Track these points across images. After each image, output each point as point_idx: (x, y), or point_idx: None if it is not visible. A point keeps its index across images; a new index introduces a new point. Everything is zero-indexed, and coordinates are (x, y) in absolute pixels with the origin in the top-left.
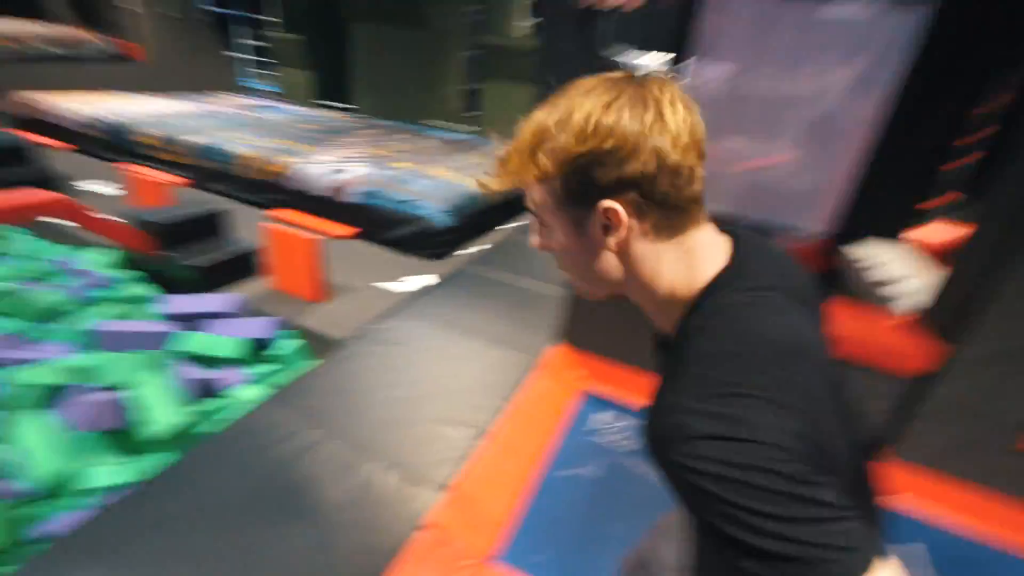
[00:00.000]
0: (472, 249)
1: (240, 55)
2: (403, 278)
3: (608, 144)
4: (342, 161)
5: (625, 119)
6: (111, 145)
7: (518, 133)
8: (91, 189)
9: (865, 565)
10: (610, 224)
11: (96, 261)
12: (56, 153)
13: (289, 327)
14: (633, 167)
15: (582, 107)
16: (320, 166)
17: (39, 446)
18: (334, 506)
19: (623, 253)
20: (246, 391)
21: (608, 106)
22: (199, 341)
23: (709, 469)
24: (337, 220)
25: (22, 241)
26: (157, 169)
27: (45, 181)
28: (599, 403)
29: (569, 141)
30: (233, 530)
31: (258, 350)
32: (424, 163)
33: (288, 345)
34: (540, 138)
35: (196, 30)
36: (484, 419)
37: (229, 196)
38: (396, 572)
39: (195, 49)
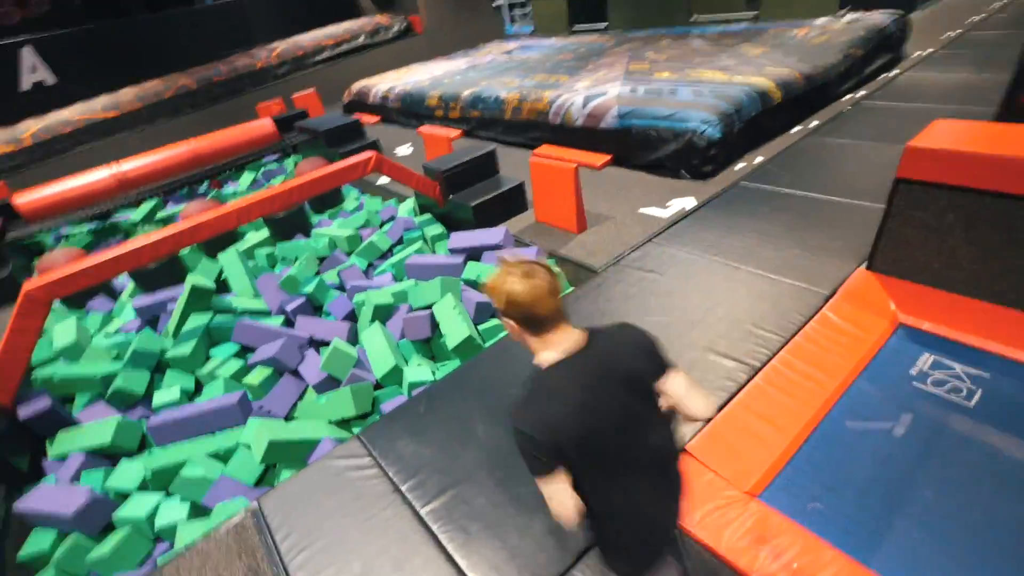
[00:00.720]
0: (743, 164)
1: (502, 1)
2: (666, 203)
3: (499, 303)
4: (595, 85)
5: (507, 291)
6: (405, 112)
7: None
8: (396, 151)
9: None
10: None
11: (404, 208)
12: (370, 127)
13: (550, 256)
14: (510, 312)
15: (495, 283)
16: (574, 94)
17: (378, 348)
18: None
19: (523, 341)
20: None
21: (503, 283)
22: (478, 270)
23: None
24: (596, 149)
25: (356, 197)
26: (440, 125)
27: (370, 148)
28: (924, 340)
29: (490, 296)
30: None
31: None
32: (687, 68)
33: None
34: (488, 291)
35: None
36: (757, 352)
37: (498, 141)
38: None
39: (463, 7)
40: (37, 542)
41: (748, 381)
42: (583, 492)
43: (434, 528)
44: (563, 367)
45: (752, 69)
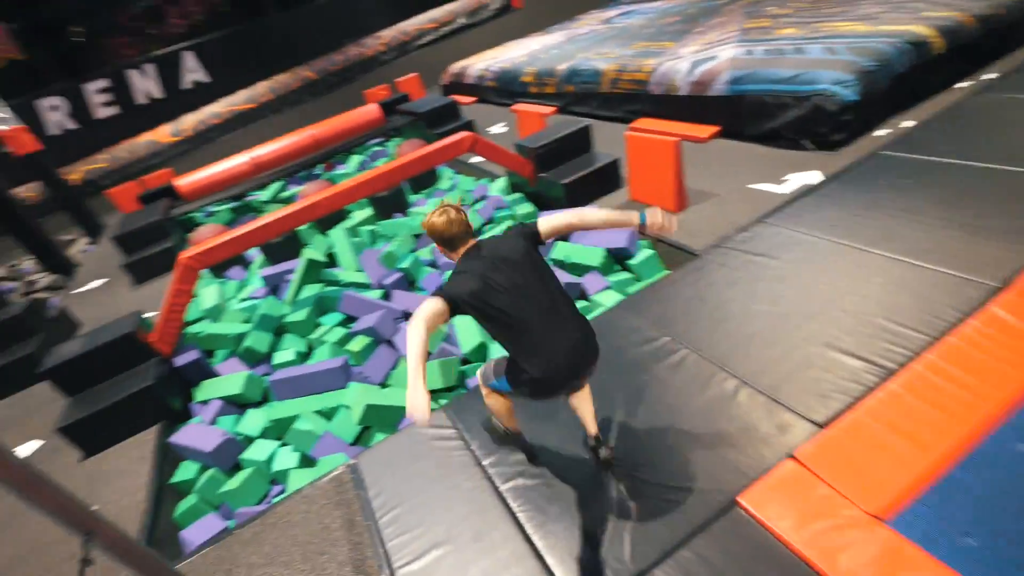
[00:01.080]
0: (887, 130)
1: None
2: (782, 178)
3: (425, 230)
4: (704, 49)
5: (430, 223)
6: (501, 90)
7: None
8: (491, 130)
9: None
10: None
11: (496, 187)
12: (466, 107)
13: (643, 237)
14: (433, 236)
15: (424, 220)
16: (680, 61)
17: (466, 325)
18: (692, 413)
19: (446, 255)
20: (604, 296)
21: (428, 219)
22: (567, 250)
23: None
24: (702, 121)
25: (450, 176)
26: (535, 103)
27: (465, 128)
28: None
29: (424, 229)
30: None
31: (616, 259)
32: (818, 22)
33: (643, 255)
34: (421, 226)
35: None
36: (892, 353)
37: (594, 116)
38: (757, 496)
39: None
40: (185, 471)
41: (879, 386)
42: (504, 344)
43: (513, 506)
44: (464, 259)
45: (905, 15)
